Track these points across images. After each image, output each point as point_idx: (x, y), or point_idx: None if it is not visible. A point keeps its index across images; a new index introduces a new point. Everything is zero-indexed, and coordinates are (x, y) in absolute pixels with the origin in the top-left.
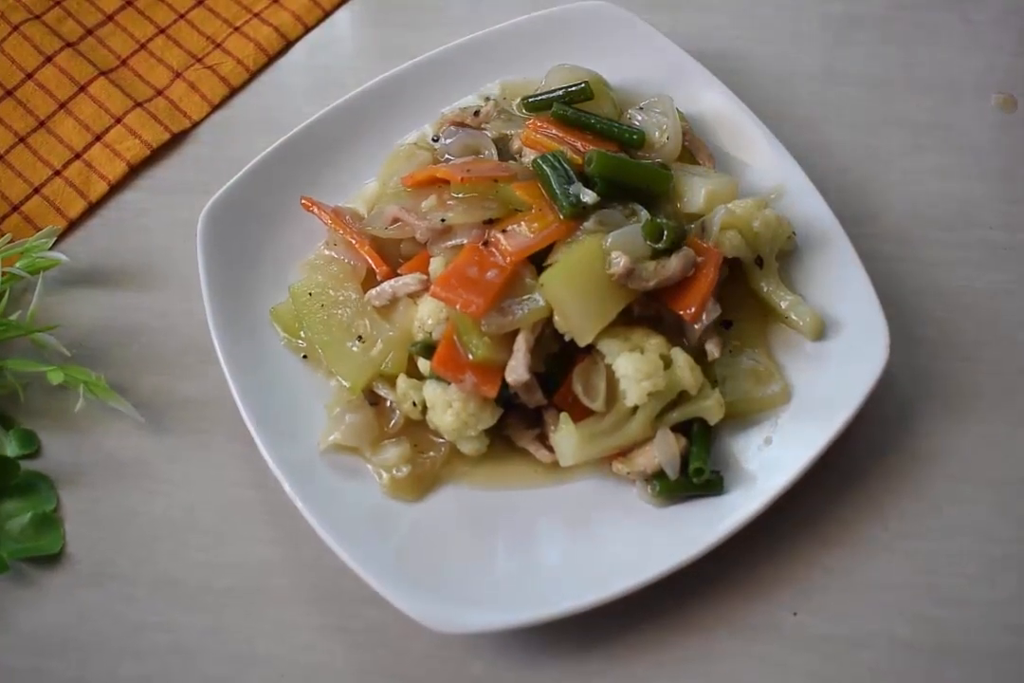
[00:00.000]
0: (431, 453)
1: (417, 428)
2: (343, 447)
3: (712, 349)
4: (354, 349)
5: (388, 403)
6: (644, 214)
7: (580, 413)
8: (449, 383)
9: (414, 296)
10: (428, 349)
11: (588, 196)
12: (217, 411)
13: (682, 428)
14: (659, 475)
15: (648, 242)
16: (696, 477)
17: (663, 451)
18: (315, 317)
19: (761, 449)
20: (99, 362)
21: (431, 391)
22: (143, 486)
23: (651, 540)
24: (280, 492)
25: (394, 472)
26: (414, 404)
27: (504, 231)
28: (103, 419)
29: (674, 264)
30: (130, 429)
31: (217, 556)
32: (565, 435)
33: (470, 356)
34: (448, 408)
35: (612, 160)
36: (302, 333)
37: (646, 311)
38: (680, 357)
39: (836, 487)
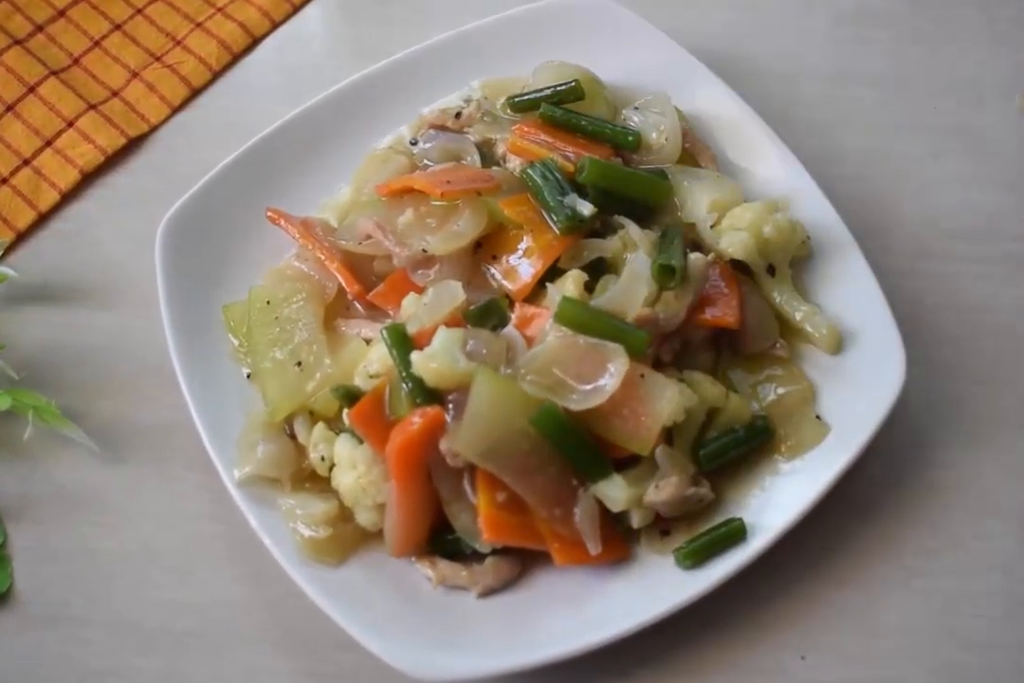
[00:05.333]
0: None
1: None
2: (263, 478)
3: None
4: (289, 374)
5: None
6: (634, 229)
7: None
8: (362, 442)
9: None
10: (350, 397)
11: (585, 208)
12: (177, 439)
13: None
14: (686, 543)
15: (659, 285)
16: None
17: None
18: (265, 328)
19: (769, 480)
20: (50, 386)
21: (342, 446)
22: (98, 520)
23: (648, 579)
24: (245, 526)
25: (314, 531)
26: (322, 458)
27: (495, 257)
28: (54, 447)
29: (693, 280)
30: (84, 458)
31: (177, 595)
32: (612, 482)
33: (391, 416)
34: (352, 468)
35: (606, 168)
36: (243, 337)
37: (672, 347)
38: (694, 375)
39: (847, 521)
